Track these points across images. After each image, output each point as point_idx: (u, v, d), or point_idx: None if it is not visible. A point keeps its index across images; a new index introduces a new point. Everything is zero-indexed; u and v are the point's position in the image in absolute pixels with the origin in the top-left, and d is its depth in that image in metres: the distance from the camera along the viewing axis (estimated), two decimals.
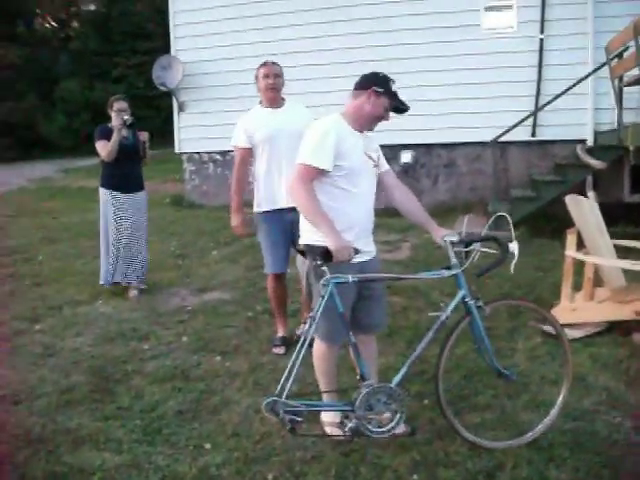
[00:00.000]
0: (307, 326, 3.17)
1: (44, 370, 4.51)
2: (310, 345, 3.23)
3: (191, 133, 11.49)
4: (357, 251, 3.16)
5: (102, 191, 6.25)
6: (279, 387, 3.05)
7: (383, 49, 9.95)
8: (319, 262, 3.12)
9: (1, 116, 23.72)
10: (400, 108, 3.36)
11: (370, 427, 3.11)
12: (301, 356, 3.09)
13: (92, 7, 32.38)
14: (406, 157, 10.28)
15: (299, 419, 3.08)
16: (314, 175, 3.22)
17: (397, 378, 3.22)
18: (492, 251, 3.27)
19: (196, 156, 11.66)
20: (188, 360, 4.62)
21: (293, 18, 10.47)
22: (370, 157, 3.40)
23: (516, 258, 3.22)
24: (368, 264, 3.39)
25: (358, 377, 3.25)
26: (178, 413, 3.82)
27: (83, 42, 28.32)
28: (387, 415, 3.15)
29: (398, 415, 3.15)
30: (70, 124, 24.42)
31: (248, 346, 4.86)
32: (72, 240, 9.05)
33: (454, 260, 3.27)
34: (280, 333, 4.90)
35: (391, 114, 3.41)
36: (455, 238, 3.30)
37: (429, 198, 10.36)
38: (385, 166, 3.56)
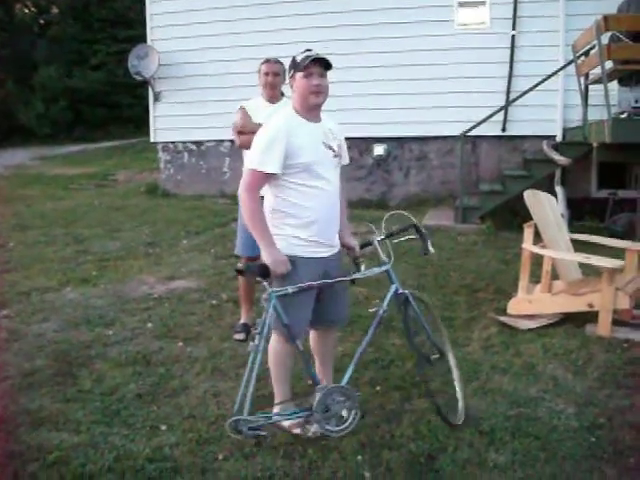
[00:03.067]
0: (256, 341, 3.13)
1: (8, 355, 4.58)
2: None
3: (166, 123, 11.54)
4: (293, 263, 3.22)
5: None
6: (237, 405, 3.05)
7: (357, 43, 10.08)
8: (258, 279, 3.19)
9: None
10: (315, 59, 3.21)
11: (330, 427, 3.18)
12: (255, 371, 3.08)
13: None
14: (379, 150, 10.41)
15: (263, 433, 3.10)
16: (263, 180, 3.20)
17: (346, 377, 3.31)
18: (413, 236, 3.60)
19: (171, 146, 11.72)
20: (151, 346, 4.72)
21: (269, 10, 10.54)
22: (330, 147, 3.33)
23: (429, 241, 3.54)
24: (331, 258, 3.41)
25: (310, 382, 3.35)
26: (137, 396, 3.91)
27: (62, 28, 28.09)
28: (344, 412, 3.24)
29: (353, 412, 3.23)
30: (48, 111, 24.25)
31: (210, 333, 4.97)
32: (44, 227, 9.08)
33: (383, 257, 3.48)
34: (243, 320, 5.01)
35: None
36: (380, 237, 3.54)
37: (401, 190, 10.52)
38: (344, 160, 3.52)
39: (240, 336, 4.82)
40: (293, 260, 3.25)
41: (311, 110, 3.29)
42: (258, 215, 3.20)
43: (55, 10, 32.35)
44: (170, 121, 11.49)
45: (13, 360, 4.48)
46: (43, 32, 29.69)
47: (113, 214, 10.01)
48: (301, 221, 3.26)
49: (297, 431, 3.37)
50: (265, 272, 3.14)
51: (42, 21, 31.74)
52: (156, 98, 11.55)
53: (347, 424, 3.22)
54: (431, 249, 3.53)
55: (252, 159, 3.22)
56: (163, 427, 3.55)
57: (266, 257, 3.15)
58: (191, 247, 7.80)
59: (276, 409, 3.42)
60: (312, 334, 3.67)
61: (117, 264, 6.97)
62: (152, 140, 11.88)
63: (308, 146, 3.23)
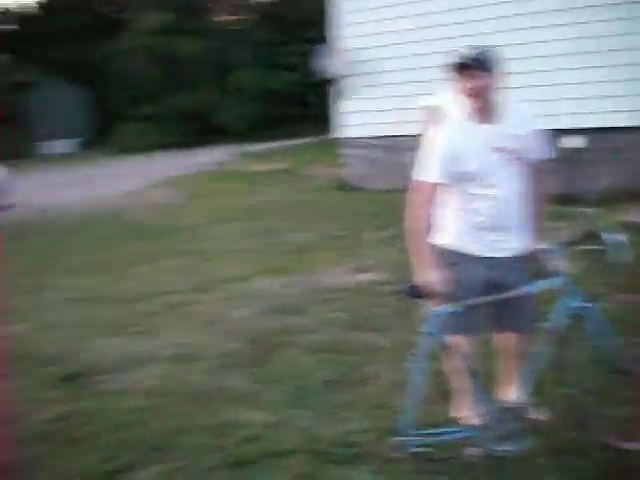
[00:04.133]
0: (413, 361, 3.02)
1: (207, 336, 4.93)
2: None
3: (353, 119, 11.70)
4: (458, 258, 3.10)
5: None
6: (401, 424, 2.95)
7: (539, 31, 9.64)
8: (414, 300, 3.03)
9: (183, 104, 25.63)
10: (463, 64, 2.99)
11: (499, 447, 2.97)
12: (418, 391, 2.97)
13: None
14: (572, 142, 9.84)
15: (426, 450, 2.96)
16: (429, 190, 3.08)
17: (518, 394, 3.14)
18: (599, 247, 3.16)
19: (358, 141, 11.87)
20: (339, 335, 4.82)
21: (456, 2, 10.34)
22: (503, 149, 3.08)
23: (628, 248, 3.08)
24: (505, 262, 3.21)
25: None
26: (326, 382, 4.03)
27: (257, 32, 29.57)
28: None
29: (525, 432, 3.01)
30: (245, 111, 25.74)
31: (398, 325, 4.94)
32: (241, 220, 9.63)
33: (561, 268, 3.13)
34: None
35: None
36: (555, 246, 3.19)
37: (598, 184, 9.89)
38: (535, 152, 3.25)
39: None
40: (458, 255, 3.18)
41: (477, 112, 3.08)
42: (418, 234, 3.07)
43: (251, 15, 34.18)
44: (357, 117, 11.65)
45: (211, 341, 4.83)
46: (241, 37, 31.45)
47: (304, 208, 10.34)
48: (468, 225, 3.16)
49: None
50: (418, 293, 3.00)
51: (239, 27, 33.61)
52: (343, 95, 11.77)
53: (517, 445, 2.98)
54: (623, 259, 3.08)
55: (418, 168, 3.14)
56: (350, 414, 3.62)
57: (419, 278, 3.02)
58: (378, 240, 7.86)
59: (463, 420, 3.32)
60: (495, 336, 3.52)
61: (308, 256, 7.19)
62: (338, 135, 12.13)
63: (472, 153, 3.05)
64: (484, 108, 3.07)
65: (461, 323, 3.16)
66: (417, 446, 2.95)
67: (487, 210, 3.12)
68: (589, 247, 3.23)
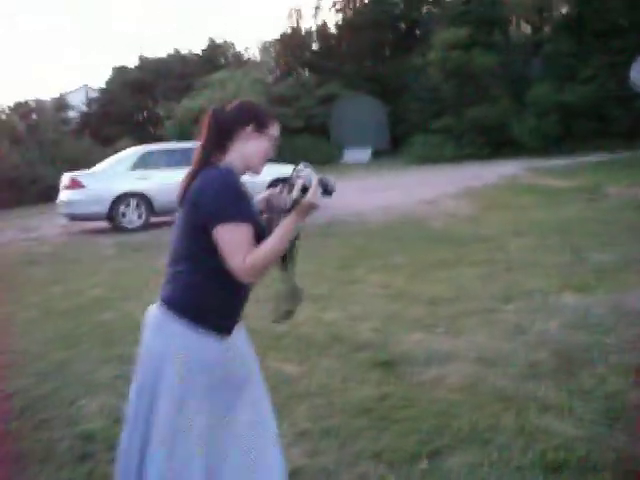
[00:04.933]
0: None
1: (514, 344, 5.05)
2: None
3: None
4: None
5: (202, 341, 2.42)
6: None
7: None
8: None
9: (478, 118, 25.96)
10: None
11: None
12: None
13: (565, 10, 32.64)
14: None
15: None
16: None
17: None
18: None
19: None
20: None
21: None
22: None
23: None
24: None
25: None
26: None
27: (555, 45, 28.73)
28: None
29: None
30: (539, 126, 25.20)
31: None
32: (537, 234, 9.55)
33: None
34: None
35: None
36: None
37: None
38: None
39: None
40: None
41: None
42: None
43: (547, 28, 33.45)
44: None
45: (516, 349, 4.95)
46: (536, 50, 30.84)
47: (604, 227, 9.88)
48: None
49: None
50: None
51: (535, 40, 33.00)
52: None
53: None
54: None
55: None
56: None
57: None
58: None
59: None
60: None
61: (611, 276, 6.91)
62: None
63: None
64: None
65: None
66: None
67: None
68: None
